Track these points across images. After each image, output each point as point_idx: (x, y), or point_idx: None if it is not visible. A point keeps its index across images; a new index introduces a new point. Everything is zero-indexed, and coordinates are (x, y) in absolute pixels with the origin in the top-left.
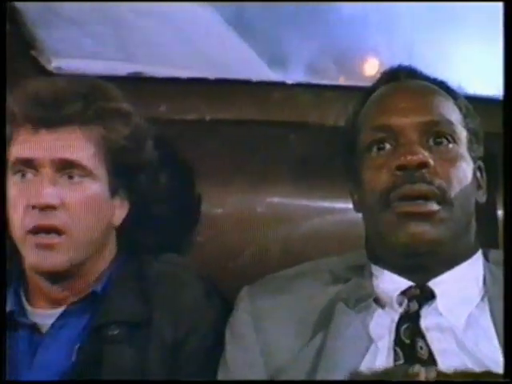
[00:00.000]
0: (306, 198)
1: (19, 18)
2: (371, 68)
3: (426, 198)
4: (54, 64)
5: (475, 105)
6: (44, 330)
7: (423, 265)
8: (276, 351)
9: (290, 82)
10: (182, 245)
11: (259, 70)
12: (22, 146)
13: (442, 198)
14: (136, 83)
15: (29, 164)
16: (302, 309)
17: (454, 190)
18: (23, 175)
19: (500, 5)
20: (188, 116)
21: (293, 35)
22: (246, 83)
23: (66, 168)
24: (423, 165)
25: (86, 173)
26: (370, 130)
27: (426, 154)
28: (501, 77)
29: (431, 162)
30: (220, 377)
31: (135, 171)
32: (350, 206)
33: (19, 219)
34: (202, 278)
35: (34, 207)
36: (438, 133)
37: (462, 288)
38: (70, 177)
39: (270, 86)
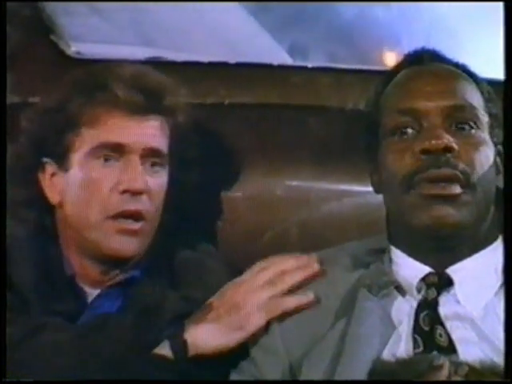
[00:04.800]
0: (324, 181)
1: (39, 5)
2: (391, 59)
3: (450, 181)
4: (74, 49)
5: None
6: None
7: (444, 248)
8: (297, 337)
9: (309, 65)
10: (210, 232)
11: (279, 57)
12: (112, 130)
13: (466, 183)
14: (155, 67)
15: (116, 149)
16: (323, 294)
17: (477, 175)
18: (106, 159)
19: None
20: (207, 100)
21: (313, 26)
22: (266, 67)
23: (152, 156)
24: (448, 149)
25: (164, 162)
26: (393, 113)
27: (451, 138)
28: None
29: (455, 146)
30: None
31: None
32: (369, 188)
33: (101, 203)
34: (228, 264)
35: (125, 192)
36: (461, 117)
37: (480, 276)
38: (152, 165)
39: (290, 69)
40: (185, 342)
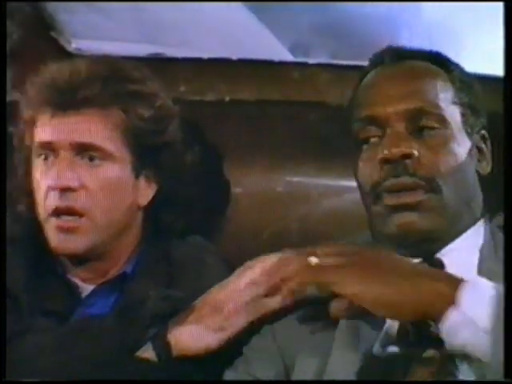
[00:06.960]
0: (325, 177)
1: (40, 3)
2: None
3: (410, 189)
4: (74, 45)
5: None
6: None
7: (420, 253)
8: (289, 334)
9: (309, 61)
10: (209, 227)
11: (281, 55)
12: (42, 130)
13: (429, 187)
14: (156, 64)
15: (49, 147)
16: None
17: (442, 177)
18: (45, 158)
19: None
20: (207, 97)
21: (313, 25)
22: (266, 63)
23: (85, 151)
24: (406, 156)
25: (106, 155)
26: (358, 121)
27: (411, 143)
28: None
29: (414, 152)
30: (236, 362)
31: (160, 152)
32: None
33: (42, 201)
34: (228, 261)
35: (53, 189)
36: (423, 120)
37: (466, 256)
38: (91, 159)
39: (290, 65)
40: (168, 344)
